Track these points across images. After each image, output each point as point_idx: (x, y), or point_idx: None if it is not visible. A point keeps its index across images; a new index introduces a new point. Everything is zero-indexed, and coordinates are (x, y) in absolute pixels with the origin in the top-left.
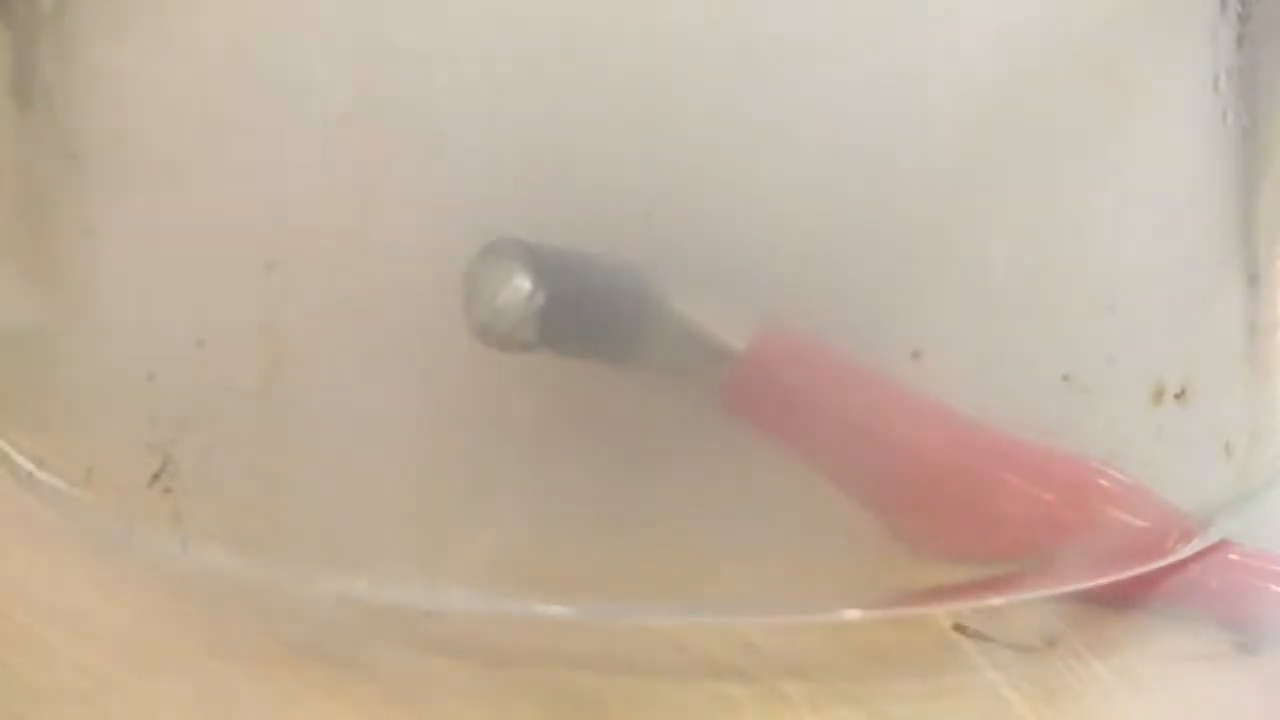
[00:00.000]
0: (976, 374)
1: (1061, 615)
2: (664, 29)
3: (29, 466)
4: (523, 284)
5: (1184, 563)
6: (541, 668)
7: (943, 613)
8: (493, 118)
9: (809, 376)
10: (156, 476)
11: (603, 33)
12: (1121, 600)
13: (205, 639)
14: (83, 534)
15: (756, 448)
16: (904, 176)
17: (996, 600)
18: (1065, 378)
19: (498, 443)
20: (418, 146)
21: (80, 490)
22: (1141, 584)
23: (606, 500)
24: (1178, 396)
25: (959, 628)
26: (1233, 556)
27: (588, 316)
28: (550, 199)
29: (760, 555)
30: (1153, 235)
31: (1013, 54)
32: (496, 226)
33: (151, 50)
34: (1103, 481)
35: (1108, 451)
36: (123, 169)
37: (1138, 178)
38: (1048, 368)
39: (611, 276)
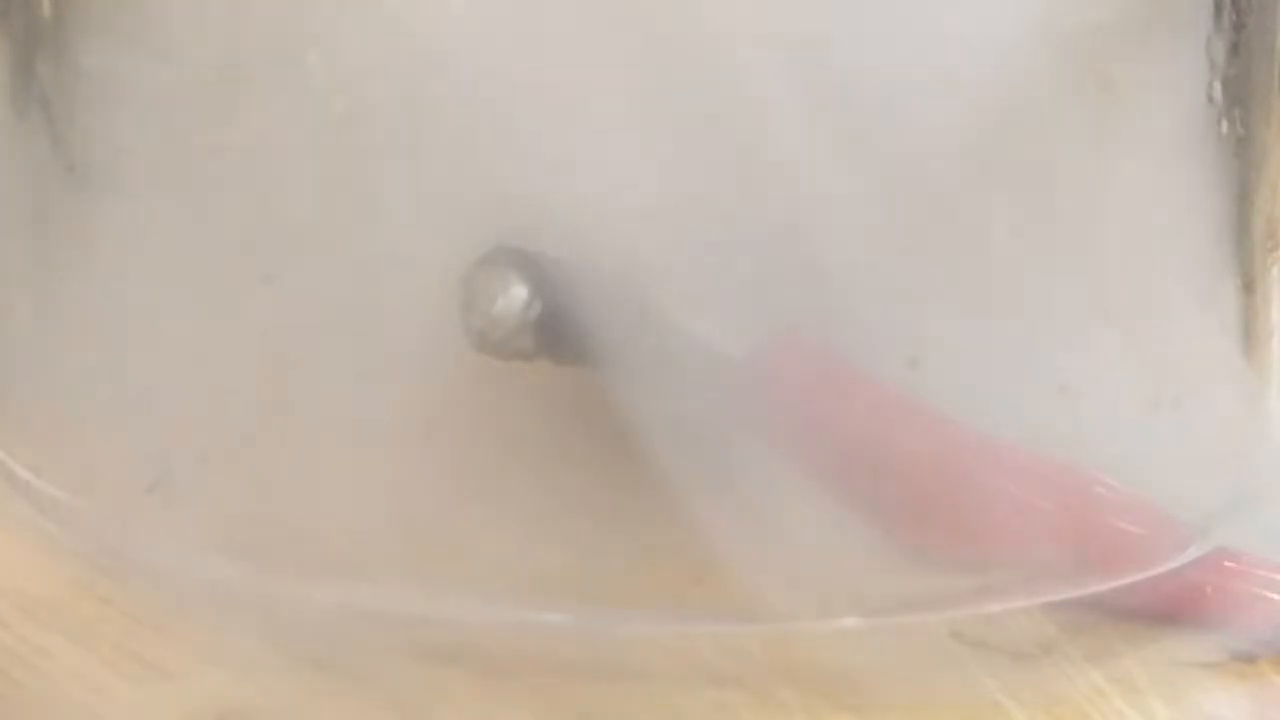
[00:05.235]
0: (973, 382)
1: (1058, 623)
2: (659, 37)
3: (27, 475)
4: (520, 292)
5: (1180, 570)
6: (539, 676)
7: (940, 620)
8: (490, 126)
9: (807, 384)
10: (155, 485)
11: (598, 40)
12: (1118, 608)
13: (203, 648)
14: (81, 542)
15: (754, 455)
16: (901, 185)
17: (993, 608)
18: (1061, 386)
19: (495, 451)
20: (415, 155)
21: (78, 499)
22: (1138, 592)
23: (604, 508)
24: (1173, 404)
25: (956, 635)
26: (1229, 564)
27: (585, 325)
28: (550, 207)
29: (757, 563)
30: (1148, 244)
31: (1007, 63)
32: (494, 235)
33: (150, 61)
34: (1099, 490)
35: (1104, 460)
36: (121, 180)
37: (1132, 187)
38: (1044, 376)
39: (609, 284)
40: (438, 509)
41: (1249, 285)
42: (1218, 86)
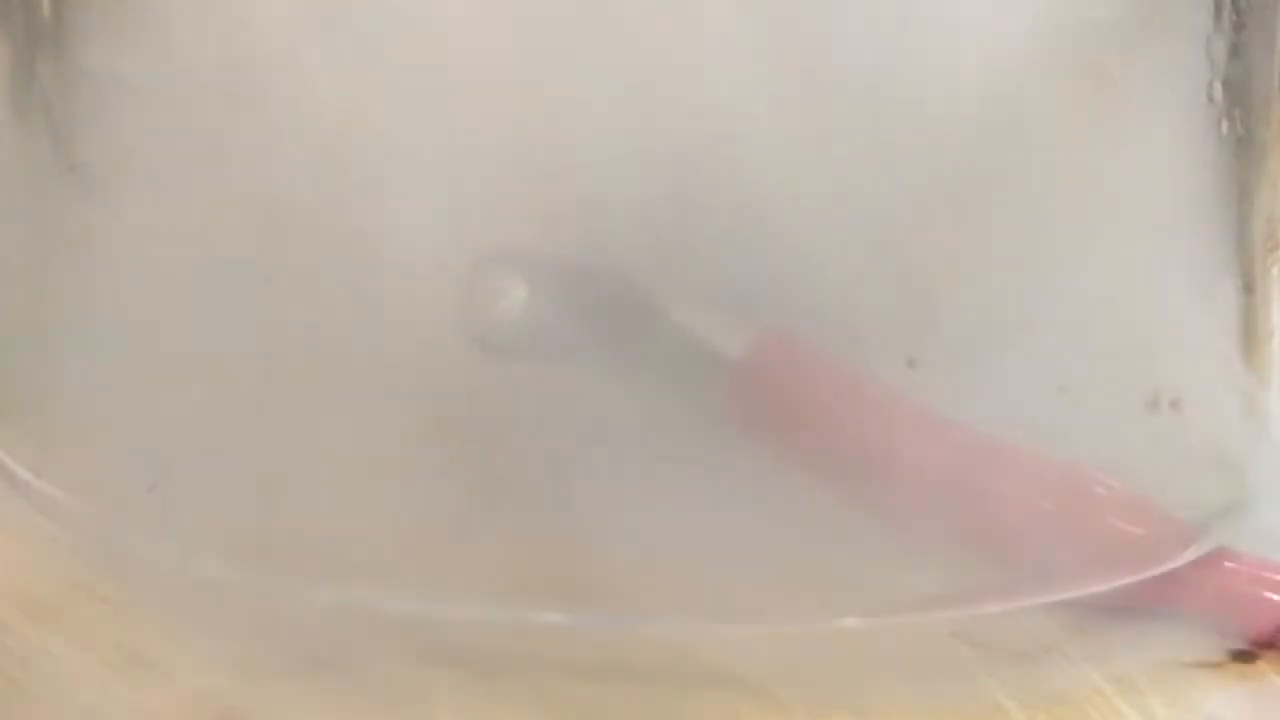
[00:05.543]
0: (972, 383)
1: (1058, 623)
2: (659, 41)
3: (27, 476)
4: (520, 293)
5: (1180, 570)
6: (539, 676)
7: (940, 620)
8: (491, 128)
9: (805, 384)
10: (155, 485)
11: (599, 43)
12: (1118, 607)
13: (203, 649)
14: (81, 542)
15: (754, 455)
16: (899, 185)
17: (994, 608)
18: (1060, 386)
19: (495, 451)
20: (416, 156)
21: (78, 500)
22: (1138, 591)
23: (603, 508)
24: (1173, 405)
25: (956, 635)
26: (1228, 564)
27: (585, 325)
28: (548, 208)
29: (758, 563)
30: (1147, 244)
31: (1006, 64)
32: (495, 236)
33: (150, 61)
34: (1099, 490)
35: (1104, 460)
36: (121, 179)
37: (1132, 187)
38: (1043, 376)
39: (609, 285)
40: (437, 509)
41: (1249, 285)
42: (1218, 86)
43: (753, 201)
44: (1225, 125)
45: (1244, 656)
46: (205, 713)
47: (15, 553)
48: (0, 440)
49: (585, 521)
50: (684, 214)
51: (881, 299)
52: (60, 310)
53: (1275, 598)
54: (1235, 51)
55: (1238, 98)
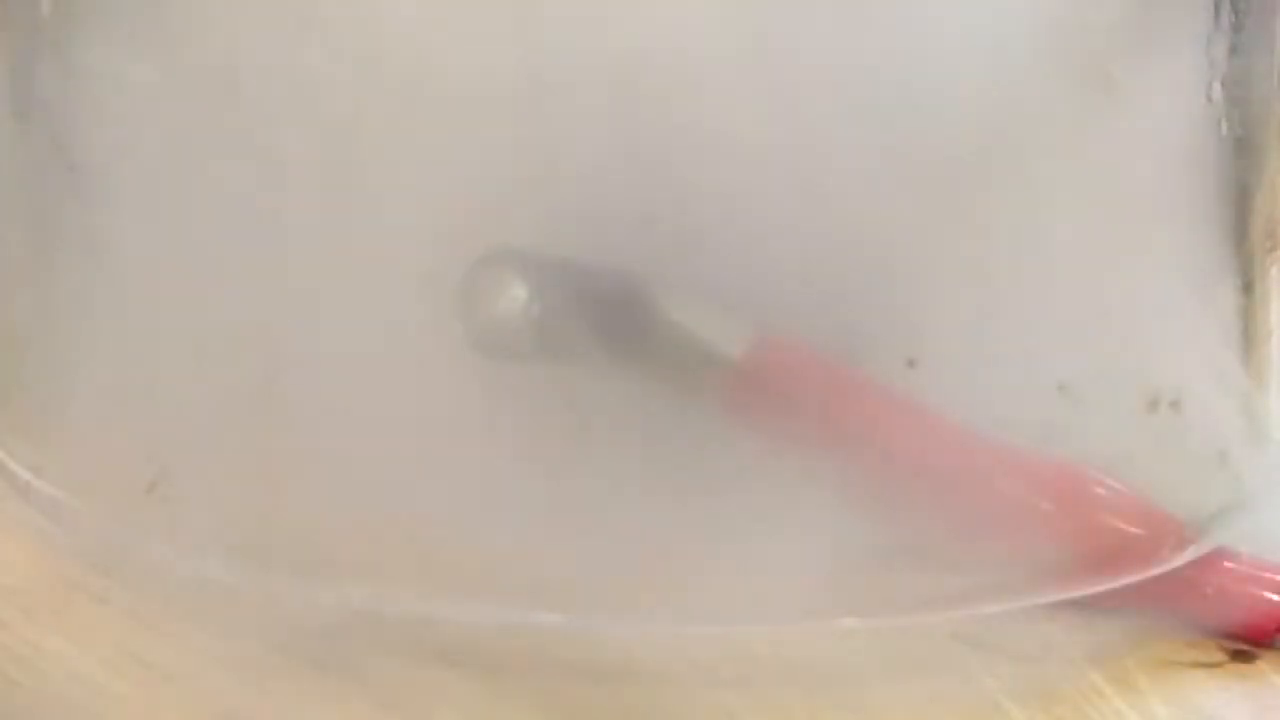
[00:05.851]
0: (971, 383)
1: (1058, 622)
2: (661, 41)
3: (27, 476)
4: (519, 293)
5: (1180, 570)
6: (538, 677)
7: (940, 621)
8: (490, 128)
9: (804, 384)
10: (154, 485)
11: (600, 44)
12: (1118, 607)
13: (202, 648)
14: (81, 542)
15: (752, 456)
16: (899, 186)
17: (993, 608)
18: (1060, 387)
19: (494, 451)
20: (416, 156)
21: (78, 499)
22: (1137, 591)
23: (603, 508)
24: (1172, 405)
25: (956, 635)
26: (1228, 564)
27: (584, 325)
28: (547, 208)
29: (757, 563)
30: (1147, 244)
31: (1007, 64)
32: (493, 236)
33: (151, 61)
34: (1099, 489)
35: (1103, 460)
36: (122, 180)
37: (1131, 186)
38: (1043, 376)
39: (608, 285)
40: (436, 509)
41: (1248, 286)
42: (1218, 86)
43: (752, 202)
44: (1225, 125)
45: (1244, 656)
46: (205, 713)
47: (15, 552)
48: (0, 440)
49: (584, 522)
50: (683, 214)
51: (881, 299)
52: (60, 310)
53: (1274, 598)
54: (1235, 51)
55: (1238, 98)
